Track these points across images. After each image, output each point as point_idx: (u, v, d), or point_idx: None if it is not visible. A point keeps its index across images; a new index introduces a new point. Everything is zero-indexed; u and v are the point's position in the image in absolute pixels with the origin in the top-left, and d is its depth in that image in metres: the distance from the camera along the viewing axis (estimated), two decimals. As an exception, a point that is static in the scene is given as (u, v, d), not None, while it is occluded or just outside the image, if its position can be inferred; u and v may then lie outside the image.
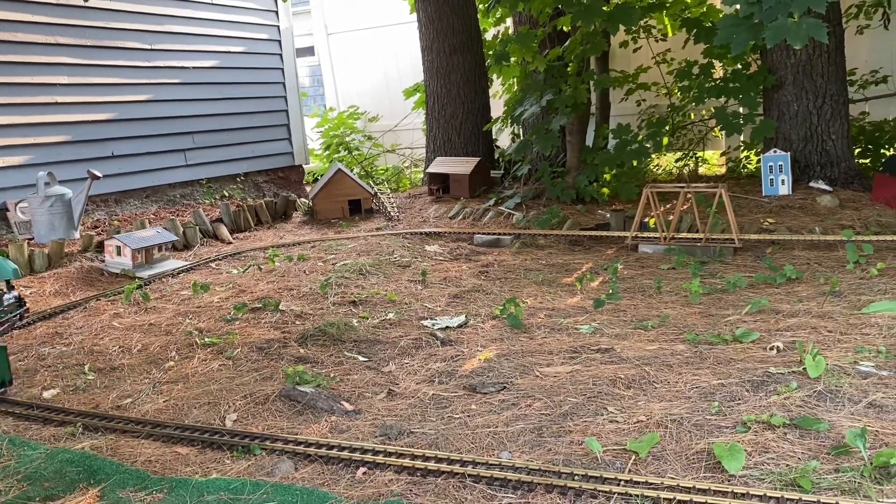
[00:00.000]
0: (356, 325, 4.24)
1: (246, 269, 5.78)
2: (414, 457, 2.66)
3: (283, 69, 9.37)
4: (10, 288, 4.42)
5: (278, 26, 9.31)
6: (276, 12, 9.27)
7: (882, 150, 7.08)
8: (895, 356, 3.21)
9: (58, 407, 3.35)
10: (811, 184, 6.48)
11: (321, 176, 9.22)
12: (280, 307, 4.66)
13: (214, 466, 2.74)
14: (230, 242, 6.98)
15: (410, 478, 2.56)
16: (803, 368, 3.10)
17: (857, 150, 7.00)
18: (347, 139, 11.51)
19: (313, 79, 13.56)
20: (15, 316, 4.36)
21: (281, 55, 9.35)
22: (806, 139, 6.58)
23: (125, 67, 7.42)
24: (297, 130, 9.55)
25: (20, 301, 4.42)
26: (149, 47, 7.65)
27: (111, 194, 7.28)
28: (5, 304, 4.28)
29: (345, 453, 2.73)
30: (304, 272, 5.54)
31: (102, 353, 4.07)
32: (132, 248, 5.74)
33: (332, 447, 2.78)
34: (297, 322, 4.41)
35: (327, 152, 11.49)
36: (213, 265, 6.07)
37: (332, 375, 3.57)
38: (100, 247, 6.13)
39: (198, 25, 8.23)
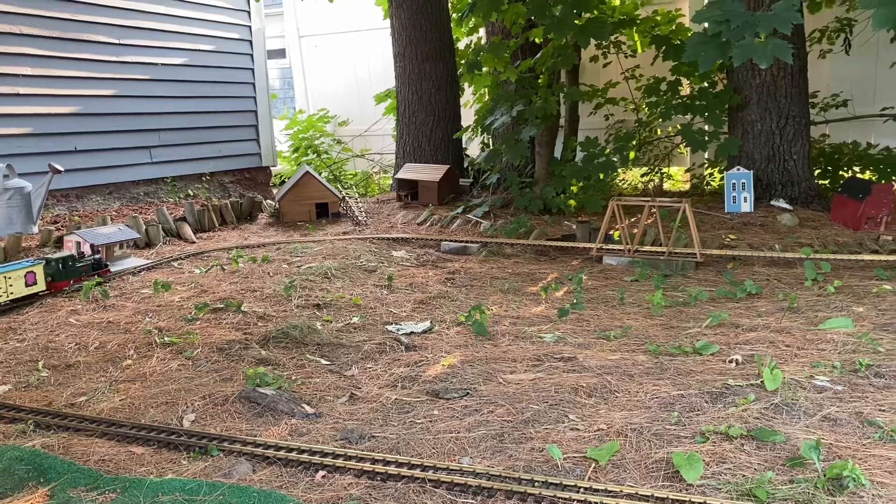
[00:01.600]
0: (320, 328, 4.20)
1: (209, 270, 5.70)
2: (374, 461, 2.64)
3: (253, 70, 9.29)
4: (95, 252, 5.56)
5: (250, 26, 9.24)
6: (248, 12, 9.21)
7: (840, 172, 7.27)
8: (849, 372, 3.28)
9: (9, 404, 3.26)
10: (772, 202, 6.62)
11: (288, 178, 9.15)
12: (242, 308, 4.60)
13: (170, 467, 2.69)
14: (193, 242, 6.88)
15: (370, 482, 2.54)
16: (761, 381, 3.15)
17: (816, 171, 7.17)
18: (316, 142, 11.45)
19: (283, 81, 13.47)
20: (91, 274, 5.27)
21: (252, 55, 9.27)
22: (769, 158, 6.72)
23: (91, 61, 7.29)
24: (265, 132, 9.47)
25: (98, 263, 5.37)
26: (117, 42, 7.53)
27: (73, 189, 7.13)
28: (80, 263, 5.21)
29: (304, 456, 2.70)
30: (269, 274, 5.48)
31: (58, 350, 3.97)
32: (93, 244, 5.62)
33: (291, 450, 2.75)
34: (260, 324, 4.36)
35: (295, 155, 11.41)
36: (175, 264, 5.97)
37: (293, 378, 3.53)
38: (59, 242, 6.00)
39: (168, 22, 8.13)
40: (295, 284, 5.03)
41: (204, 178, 8.60)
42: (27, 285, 4.84)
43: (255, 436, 2.92)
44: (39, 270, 4.92)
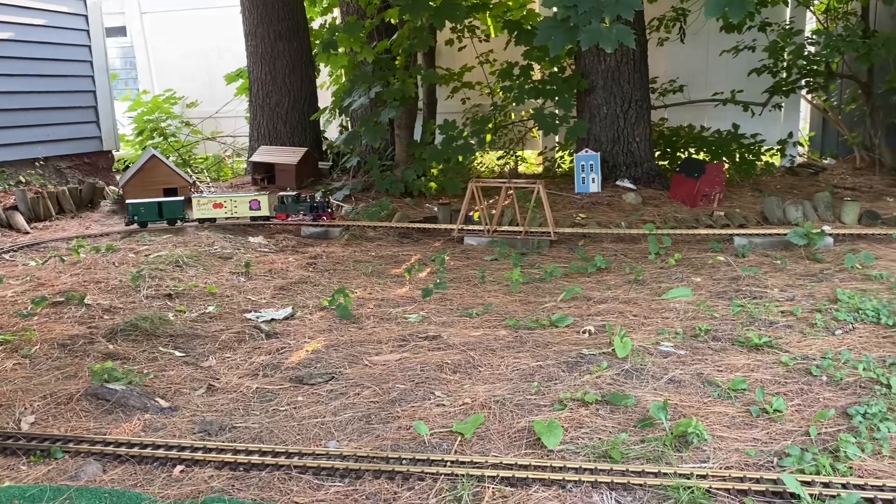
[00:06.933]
0: (172, 318, 4.00)
1: (46, 261, 5.27)
2: (236, 451, 2.55)
3: (90, 47, 8.63)
4: (325, 195, 6.61)
5: (85, 1, 8.56)
6: (82, -16, 8.53)
7: (678, 153, 7.77)
8: (690, 337, 3.53)
9: None
10: (618, 182, 6.98)
11: (133, 163, 8.61)
12: (86, 301, 4.29)
13: (7, 474, 2.47)
14: (27, 232, 6.33)
15: (233, 473, 2.45)
16: (612, 349, 3.33)
17: (657, 153, 7.63)
18: (163, 125, 10.84)
19: (125, 61, 12.62)
20: (308, 214, 6.26)
21: (88, 31, 8.60)
22: (614, 140, 7.07)
23: None
24: (105, 114, 8.85)
25: (320, 206, 6.28)
26: (-74, 11, 6.76)
27: None
28: (301, 204, 6.28)
29: (160, 451, 2.56)
30: (114, 264, 5.15)
31: None
32: None
33: (145, 446, 2.60)
34: (106, 317, 4.09)
35: (140, 138, 10.75)
36: (6, 256, 5.48)
37: (145, 372, 3.34)
38: None
39: (-12, -9, 7.39)
40: (143, 274, 4.75)
41: (37, 164, 7.93)
42: (251, 209, 6.23)
43: (105, 434, 2.74)
44: (264, 200, 6.28)
